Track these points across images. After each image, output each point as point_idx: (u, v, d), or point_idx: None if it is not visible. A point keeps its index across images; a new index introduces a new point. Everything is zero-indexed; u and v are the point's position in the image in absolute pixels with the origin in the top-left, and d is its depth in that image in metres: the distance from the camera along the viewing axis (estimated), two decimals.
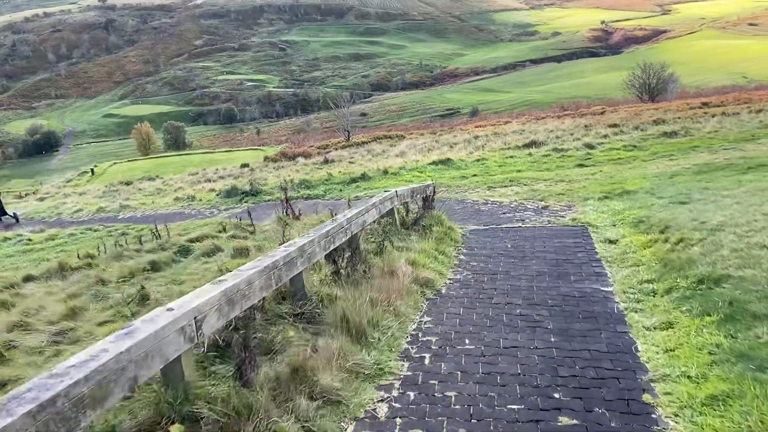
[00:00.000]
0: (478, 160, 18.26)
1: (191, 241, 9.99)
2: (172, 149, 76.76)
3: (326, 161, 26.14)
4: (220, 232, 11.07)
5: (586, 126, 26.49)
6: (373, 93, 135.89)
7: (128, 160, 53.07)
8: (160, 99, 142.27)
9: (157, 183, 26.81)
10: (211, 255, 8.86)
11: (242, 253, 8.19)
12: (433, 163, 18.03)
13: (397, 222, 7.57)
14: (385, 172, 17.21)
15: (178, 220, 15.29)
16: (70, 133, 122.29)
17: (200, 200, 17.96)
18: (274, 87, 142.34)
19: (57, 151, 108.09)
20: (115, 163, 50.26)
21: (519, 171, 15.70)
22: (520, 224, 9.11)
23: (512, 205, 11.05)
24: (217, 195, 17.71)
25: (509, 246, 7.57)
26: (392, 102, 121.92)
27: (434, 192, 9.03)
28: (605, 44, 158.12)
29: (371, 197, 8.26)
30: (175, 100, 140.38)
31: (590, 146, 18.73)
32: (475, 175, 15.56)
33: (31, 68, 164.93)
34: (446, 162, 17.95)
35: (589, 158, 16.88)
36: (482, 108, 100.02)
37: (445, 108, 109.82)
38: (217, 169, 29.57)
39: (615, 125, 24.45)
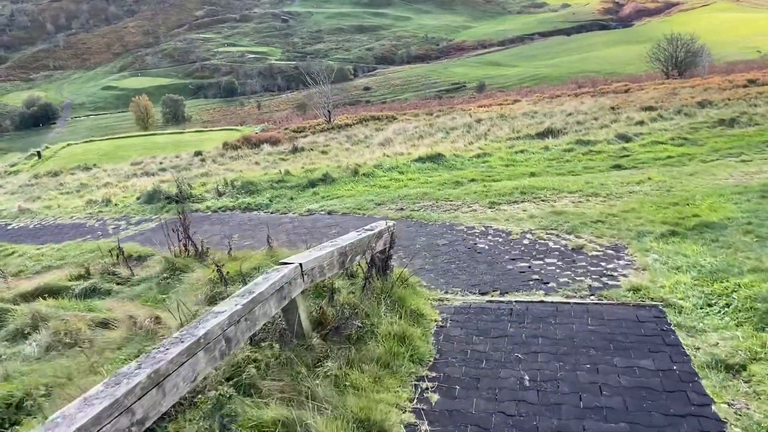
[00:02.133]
0: (478, 156, 14.63)
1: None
2: (171, 123, 77.46)
3: (295, 150, 22.56)
4: (76, 279, 7.56)
5: (612, 108, 22.79)
6: (377, 66, 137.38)
7: (85, 141, 49.12)
8: (160, 71, 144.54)
9: (87, 175, 23.20)
10: None
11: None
12: (420, 159, 14.41)
13: (304, 326, 3.99)
14: (355, 172, 13.61)
15: (70, 237, 11.78)
16: (68, 105, 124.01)
17: (116, 205, 14.41)
18: (276, 59, 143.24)
19: (54, 123, 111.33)
20: (69, 144, 46.38)
21: (533, 175, 12.10)
22: (541, 295, 5.56)
23: (525, 242, 7.50)
24: (137, 199, 14.16)
25: (525, 375, 4.02)
26: (397, 76, 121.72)
27: (392, 243, 5.43)
28: (616, 17, 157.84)
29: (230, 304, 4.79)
30: (175, 73, 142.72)
31: (625, 137, 15.09)
32: (473, 181, 11.97)
33: (29, 39, 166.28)
34: (437, 158, 14.33)
35: (627, 155, 13.27)
36: (489, 83, 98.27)
37: (450, 83, 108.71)
38: (164, 158, 25.93)
39: (650, 108, 20.76)
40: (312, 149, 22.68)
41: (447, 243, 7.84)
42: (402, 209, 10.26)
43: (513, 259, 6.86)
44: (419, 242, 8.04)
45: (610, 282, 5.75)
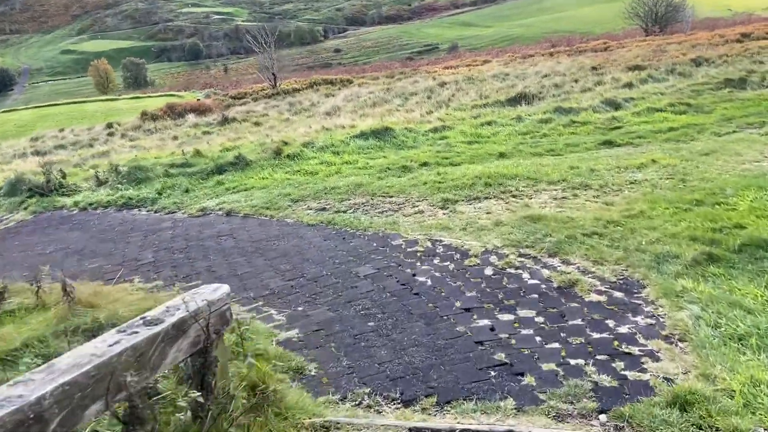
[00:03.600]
0: (436, 130, 12.11)
1: None
2: (132, 88, 77.24)
3: (224, 121, 19.67)
4: None
5: (594, 68, 20.47)
6: (348, 27, 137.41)
7: (5, 111, 44.83)
8: (121, 33, 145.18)
9: None
10: None
11: None
12: (363, 134, 11.81)
13: None
14: (278, 152, 10.95)
15: None
16: (25, 71, 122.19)
17: None
18: (242, 21, 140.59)
19: (12, 90, 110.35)
20: None
21: (502, 156, 9.67)
22: (510, 417, 3.14)
23: (488, 273, 5.09)
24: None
25: None
26: (368, 37, 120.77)
27: (217, 336, 2.86)
28: None
29: None
30: (136, 35, 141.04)
31: (613, 104, 12.76)
32: (425, 165, 9.47)
33: None
34: (384, 133, 11.75)
35: (618, 127, 10.96)
36: (462, 44, 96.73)
37: (423, 44, 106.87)
38: (71, 132, 22.63)
39: (638, 67, 18.51)
40: (245, 120, 19.78)
41: (372, 274, 5.37)
42: (324, 209, 7.73)
43: (467, 310, 4.44)
44: (330, 270, 5.56)
45: (629, 373, 3.38)
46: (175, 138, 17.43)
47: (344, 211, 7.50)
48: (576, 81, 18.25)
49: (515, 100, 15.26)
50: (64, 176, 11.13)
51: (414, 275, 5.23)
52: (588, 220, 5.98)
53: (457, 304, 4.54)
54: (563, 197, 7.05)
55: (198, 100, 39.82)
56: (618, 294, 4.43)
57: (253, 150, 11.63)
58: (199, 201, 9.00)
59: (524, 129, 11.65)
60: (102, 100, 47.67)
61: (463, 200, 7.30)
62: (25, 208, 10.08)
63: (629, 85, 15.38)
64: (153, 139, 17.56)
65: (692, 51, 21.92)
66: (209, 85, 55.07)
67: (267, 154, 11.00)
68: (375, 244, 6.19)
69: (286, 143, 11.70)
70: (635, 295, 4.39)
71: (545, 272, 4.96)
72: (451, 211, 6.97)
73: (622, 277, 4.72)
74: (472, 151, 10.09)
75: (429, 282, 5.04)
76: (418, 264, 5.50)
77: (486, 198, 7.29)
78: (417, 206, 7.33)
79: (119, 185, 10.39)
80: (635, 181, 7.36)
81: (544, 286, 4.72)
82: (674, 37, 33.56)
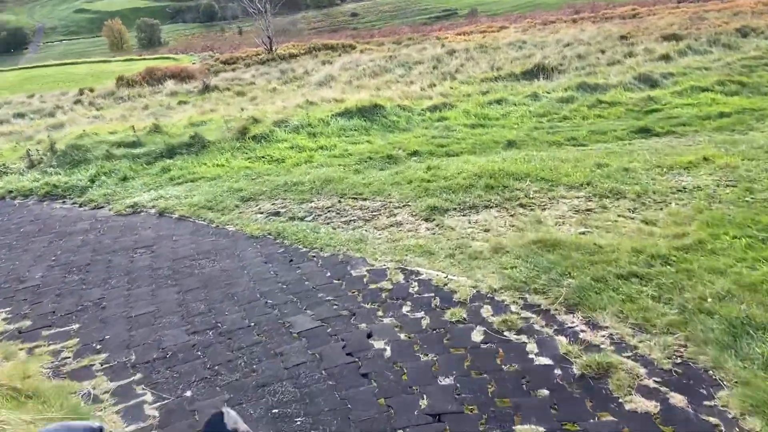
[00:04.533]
0: (435, 108, 10.40)
1: None
2: (146, 49, 77.28)
3: (205, 89, 17.99)
4: None
5: (623, 37, 18.45)
6: None
7: None
8: None
9: None
10: None
11: None
12: (348, 112, 10.12)
13: None
14: (243, 132, 9.32)
15: None
16: (39, 29, 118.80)
17: None
18: None
19: (26, 49, 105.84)
20: None
21: (511, 145, 7.99)
22: None
23: (478, 340, 3.52)
24: None
25: None
26: (386, 1, 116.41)
27: None
28: None
29: None
30: None
31: (649, 80, 10.95)
32: (415, 155, 7.82)
33: None
34: (373, 112, 10.06)
35: (656, 110, 9.21)
36: (482, 10, 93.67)
37: (441, 9, 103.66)
38: (40, 98, 21.03)
39: (675, 37, 16.52)
40: (228, 88, 18.06)
41: (311, 330, 3.83)
42: (278, 213, 6.15)
43: (437, 417, 2.89)
44: (256, 318, 4.02)
45: None
46: (146, 108, 15.82)
47: (301, 218, 5.91)
48: (602, 52, 16.32)
49: (532, 74, 13.44)
50: None
51: (369, 336, 3.68)
52: (623, 251, 4.35)
53: (423, 403, 2.98)
54: (587, 209, 5.40)
55: (193, 63, 38.07)
56: (676, 399, 2.86)
57: (215, 129, 10.01)
58: (133, 194, 7.44)
59: (540, 109, 9.91)
60: (93, 62, 45.96)
61: (455, 209, 5.67)
62: None
63: (666, 58, 13.47)
64: (120, 109, 15.95)
65: (735, 20, 19.77)
66: (209, 48, 53.03)
67: (231, 134, 9.38)
68: (329, 274, 4.62)
69: (256, 120, 10.06)
70: (704, 405, 2.80)
71: (561, 343, 3.38)
72: (437, 226, 5.36)
73: (680, 363, 3.13)
74: (474, 138, 8.39)
75: (388, 352, 3.48)
76: (380, 313, 3.94)
77: (485, 207, 5.66)
78: (395, 215, 5.73)
79: (52, 167, 8.85)
80: (684, 188, 5.68)
81: (558, 371, 3.15)
82: (710, 4, 31.06)
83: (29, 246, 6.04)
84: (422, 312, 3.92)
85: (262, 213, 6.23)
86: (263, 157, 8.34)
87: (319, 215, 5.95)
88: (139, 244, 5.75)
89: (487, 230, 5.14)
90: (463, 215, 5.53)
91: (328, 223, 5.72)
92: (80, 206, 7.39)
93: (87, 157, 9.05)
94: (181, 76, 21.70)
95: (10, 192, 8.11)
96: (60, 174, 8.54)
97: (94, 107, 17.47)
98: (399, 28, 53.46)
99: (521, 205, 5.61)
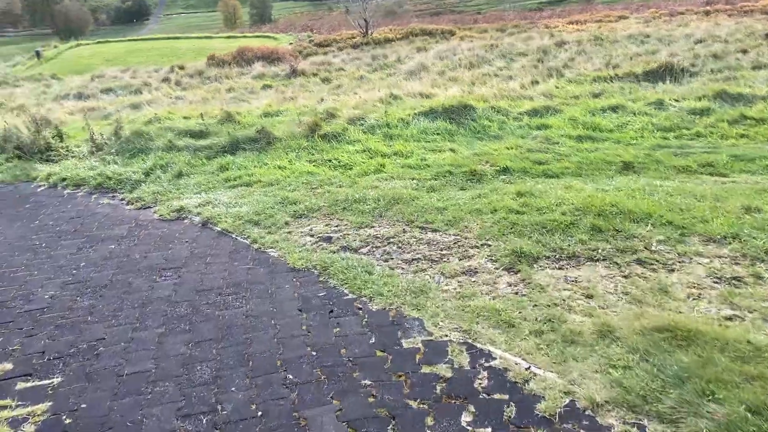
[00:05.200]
0: (535, 112, 9.06)
1: None
2: (257, 24, 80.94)
3: (293, 73, 17.49)
4: None
5: None
6: None
7: (97, 42, 45.73)
8: None
9: (20, 91, 19.18)
10: None
11: None
12: (433, 112, 9.02)
13: None
14: (312, 129, 8.48)
15: None
16: (161, 2, 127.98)
17: None
18: None
19: (148, 20, 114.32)
20: (79, 45, 43.17)
21: (627, 168, 6.56)
22: None
23: None
24: None
25: None
26: None
27: None
28: None
29: None
30: None
31: None
32: (504, 173, 6.61)
33: None
34: (461, 112, 8.90)
35: None
36: None
37: None
38: (134, 72, 21.47)
39: None
40: (315, 74, 17.44)
41: None
42: (329, 239, 5.22)
43: None
44: (265, 405, 3.10)
45: None
46: (230, 90, 15.51)
47: (355, 249, 4.94)
48: (744, 52, 14.05)
49: (656, 75, 11.65)
50: (59, 136, 9.41)
51: None
52: None
53: None
54: (734, 278, 4.04)
55: (290, 44, 38.24)
56: None
57: (290, 121, 9.26)
58: (183, 194, 6.80)
59: (666, 122, 8.31)
60: (195, 38, 47.58)
61: (548, 257, 4.48)
62: (1, 173, 8.46)
63: None
64: (204, 91, 15.75)
65: None
66: (309, 28, 53.33)
67: (300, 129, 8.58)
68: (374, 340, 3.64)
69: (331, 115, 9.22)
70: None
71: None
72: (523, 281, 4.20)
73: None
74: (581, 155, 7.03)
75: None
76: (429, 422, 2.90)
77: (590, 259, 4.42)
78: (470, 257, 4.62)
79: (110, 155, 8.46)
80: None
81: None
82: None
83: (55, 252, 5.51)
84: (489, 428, 2.83)
85: (312, 235, 5.33)
86: (330, 160, 7.45)
87: (376, 247, 4.95)
88: (168, 263, 5.03)
89: (589, 296, 3.93)
90: (559, 268, 4.33)
91: (385, 260, 4.71)
92: (128, 204, 6.86)
93: (148, 146, 8.59)
94: (271, 58, 21.41)
95: (64, 180, 7.76)
96: (117, 163, 8.11)
97: (179, 87, 17.51)
98: (505, 13, 51.11)
99: (639, 262, 4.32)
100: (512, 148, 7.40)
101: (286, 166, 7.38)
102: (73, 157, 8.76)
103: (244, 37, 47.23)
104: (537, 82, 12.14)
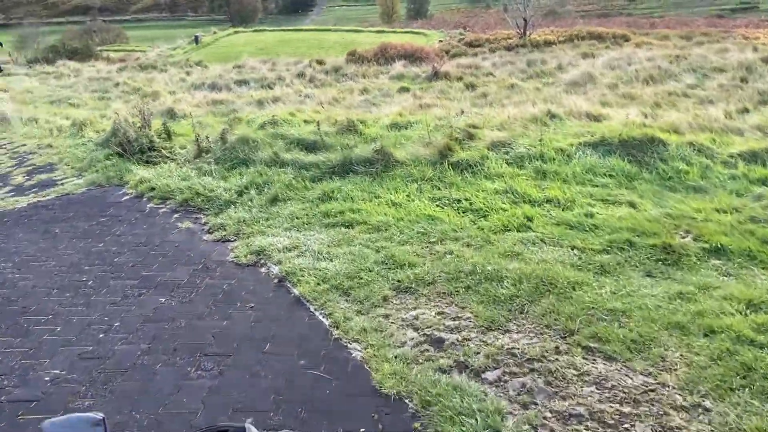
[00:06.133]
0: (753, 156, 6.66)
1: None
2: (413, 20, 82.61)
3: (435, 75, 16.01)
4: None
5: None
6: None
7: (254, 30, 47.72)
8: None
9: (166, 76, 19.57)
10: None
11: None
12: (604, 144, 6.98)
13: None
14: (443, 153, 6.87)
15: None
16: None
17: (82, 137, 9.96)
18: None
19: (311, 10, 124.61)
20: (237, 32, 45.29)
21: None
22: None
23: None
24: (97, 137, 9.46)
25: None
26: None
27: None
28: None
29: None
30: None
31: None
32: (717, 253, 4.51)
33: None
34: (644, 148, 6.77)
35: None
36: None
37: (739, 0, 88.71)
38: (272, 65, 21.22)
39: None
40: (460, 78, 15.75)
41: None
42: (440, 342, 3.58)
43: None
44: None
45: None
46: (363, 92, 14.37)
47: (476, 372, 3.26)
48: None
49: None
50: (167, 133, 8.71)
51: None
52: None
53: None
54: None
55: (440, 41, 36.95)
56: None
57: (419, 138, 7.73)
58: (270, 229, 5.53)
59: None
60: (345, 31, 48.05)
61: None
62: (97, 171, 7.87)
63: None
64: (336, 90, 14.78)
65: None
66: (462, 26, 51.76)
67: (428, 151, 7.01)
68: None
69: (469, 136, 7.54)
70: None
71: None
72: None
73: None
74: None
75: None
76: None
77: None
78: (671, 431, 2.75)
79: (208, 163, 7.50)
80: None
81: None
82: None
83: (96, 297, 4.45)
84: None
85: (417, 329, 3.73)
86: (459, 201, 5.80)
87: (512, 374, 3.23)
88: (215, 345, 3.72)
89: None
90: None
91: (524, 405, 2.99)
92: (208, 231, 5.75)
93: (251, 157, 7.51)
94: (414, 57, 20.11)
95: (152, 190, 6.89)
96: (213, 175, 7.11)
97: (312, 84, 16.78)
98: (689, 19, 45.83)
99: None
100: (726, 212, 5.23)
101: (402, 202, 5.85)
102: (173, 160, 7.94)
103: (394, 32, 46.74)
104: (747, 110, 9.50)
